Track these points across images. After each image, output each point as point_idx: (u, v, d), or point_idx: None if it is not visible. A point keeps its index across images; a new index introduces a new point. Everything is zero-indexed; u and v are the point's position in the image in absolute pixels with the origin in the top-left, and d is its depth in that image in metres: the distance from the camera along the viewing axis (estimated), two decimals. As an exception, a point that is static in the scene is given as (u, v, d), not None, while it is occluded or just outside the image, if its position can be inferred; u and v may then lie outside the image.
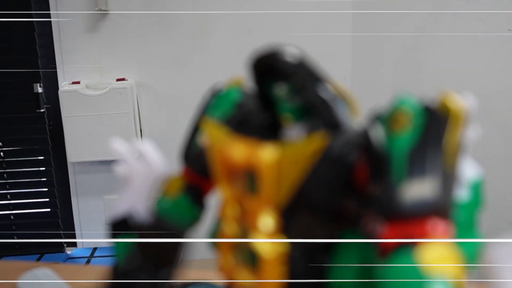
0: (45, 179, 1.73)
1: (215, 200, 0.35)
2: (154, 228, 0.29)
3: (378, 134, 0.29)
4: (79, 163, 1.71)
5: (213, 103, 0.37)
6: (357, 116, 0.33)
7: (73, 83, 1.62)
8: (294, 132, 0.32)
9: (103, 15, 1.59)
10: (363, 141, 0.29)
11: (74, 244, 1.81)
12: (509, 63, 1.33)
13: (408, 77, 1.41)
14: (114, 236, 0.39)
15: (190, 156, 0.37)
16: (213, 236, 0.33)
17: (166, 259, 0.21)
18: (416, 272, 0.25)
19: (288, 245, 0.30)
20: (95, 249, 1.78)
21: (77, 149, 1.62)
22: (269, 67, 0.31)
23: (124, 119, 1.60)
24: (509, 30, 1.28)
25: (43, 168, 1.73)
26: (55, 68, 1.65)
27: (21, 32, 1.60)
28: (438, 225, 0.26)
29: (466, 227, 0.34)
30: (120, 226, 0.38)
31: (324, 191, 0.29)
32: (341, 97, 0.31)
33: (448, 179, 0.28)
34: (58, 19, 1.60)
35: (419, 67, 1.41)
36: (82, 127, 1.60)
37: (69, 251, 1.78)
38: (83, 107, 1.59)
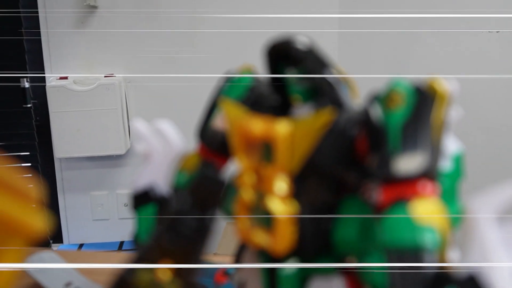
0: (31, 175, 1.74)
1: (230, 172, 0.39)
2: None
3: (376, 111, 0.34)
4: (66, 159, 1.73)
5: (227, 86, 0.42)
6: (356, 97, 0.38)
7: (61, 78, 1.64)
8: (303, 111, 0.36)
9: (91, 10, 1.61)
10: (364, 118, 0.34)
11: (60, 240, 1.82)
12: (491, 64, 1.40)
13: (394, 68, 1.46)
14: (136, 207, 0.43)
15: (205, 135, 0.42)
16: (230, 202, 0.38)
17: (211, 203, 0.25)
18: (409, 223, 0.30)
19: (298, 207, 0.35)
20: (81, 245, 1.80)
21: (64, 145, 1.64)
22: (282, 53, 0.35)
23: (112, 115, 1.62)
24: (497, 31, 1.35)
25: (29, 164, 1.74)
26: (43, 63, 1.66)
27: (8, 26, 1.61)
28: (427, 185, 0.32)
29: (449, 194, 0.40)
30: (142, 198, 0.43)
31: (330, 160, 0.34)
32: (344, 80, 0.36)
33: (435, 149, 0.33)
34: (46, 14, 1.62)
35: (406, 59, 1.46)
36: (70, 122, 1.61)
37: (55, 247, 1.79)
38: (70, 103, 1.61)
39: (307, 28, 1.55)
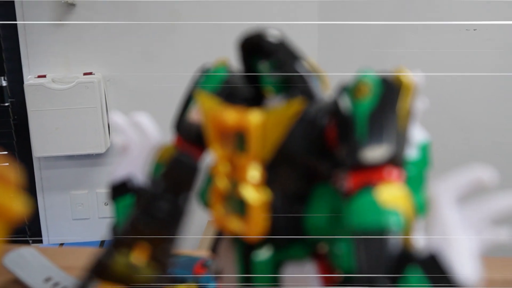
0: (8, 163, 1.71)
1: (206, 162, 0.40)
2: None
3: (344, 101, 0.35)
4: (45, 158, 1.71)
5: (202, 79, 0.43)
6: (326, 88, 0.39)
7: (39, 76, 1.63)
8: (275, 102, 0.38)
9: (70, 8, 1.60)
10: (333, 108, 0.35)
11: (40, 240, 1.80)
12: (469, 61, 1.43)
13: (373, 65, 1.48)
14: (114, 198, 0.44)
15: (181, 126, 0.43)
16: (205, 191, 0.39)
17: (184, 187, 0.26)
18: (374, 206, 0.31)
19: (271, 195, 0.36)
20: (61, 245, 1.79)
21: (43, 143, 1.62)
22: (254, 46, 0.37)
23: (92, 114, 1.61)
24: (474, 29, 1.38)
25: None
26: (20, 61, 1.64)
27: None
28: (393, 171, 0.33)
29: (415, 182, 0.41)
30: (120, 189, 0.43)
31: (301, 148, 0.35)
32: (316, 70, 0.38)
33: (400, 137, 0.34)
34: (23, 12, 1.60)
35: (385, 56, 1.48)
36: (49, 121, 1.60)
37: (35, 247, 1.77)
38: (49, 101, 1.60)
39: (286, 29, 1.56)
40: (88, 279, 0.30)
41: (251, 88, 0.39)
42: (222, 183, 0.37)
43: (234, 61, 0.43)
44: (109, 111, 1.67)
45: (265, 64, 0.37)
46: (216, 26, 1.58)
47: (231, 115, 0.36)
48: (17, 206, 0.24)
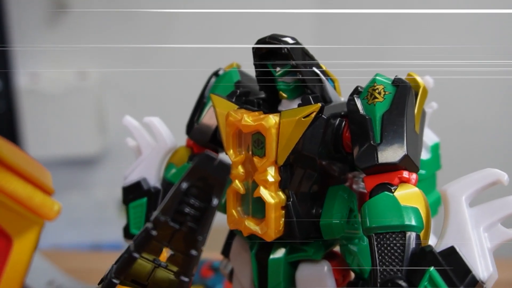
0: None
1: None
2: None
3: (359, 104, 0.36)
4: (39, 160, 1.70)
5: (215, 83, 0.43)
6: (338, 91, 0.40)
7: (32, 79, 1.61)
8: (290, 105, 0.38)
9: (63, 9, 1.59)
10: (348, 111, 0.36)
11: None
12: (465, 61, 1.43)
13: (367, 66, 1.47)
14: (128, 200, 0.44)
15: (194, 130, 0.43)
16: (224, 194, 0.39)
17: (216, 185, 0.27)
18: (395, 204, 0.32)
19: (287, 196, 0.37)
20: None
21: (36, 146, 1.61)
22: (269, 51, 0.37)
23: (87, 115, 1.60)
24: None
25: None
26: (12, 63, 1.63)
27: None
28: (409, 173, 0.34)
29: (428, 182, 0.43)
30: (133, 191, 0.44)
31: (316, 150, 0.36)
32: (328, 75, 0.39)
33: (415, 138, 0.35)
34: (18, 13, 1.59)
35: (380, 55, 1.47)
36: (42, 124, 1.59)
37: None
38: (43, 104, 1.59)
39: (282, 24, 1.57)
40: (111, 280, 0.30)
41: (266, 91, 0.40)
42: (239, 185, 0.38)
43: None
44: (104, 113, 1.67)
45: (280, 68, 0.38)
46: (209, 28, 1.58)
47: (248, 119, 0.36)
48: (50, 205, 0.25)
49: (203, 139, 0.43)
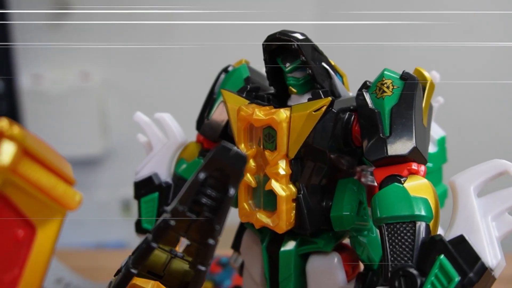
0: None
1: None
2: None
3: (368, 99, 0.37)
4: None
5: (225, 78, 0.44)
6: (346, 86, 0.41)
7: (35, 80, 1.62)
8: (299, 100, 0.39)
9: (66, 9, 1.60)
10: (357, 105, 0.37)
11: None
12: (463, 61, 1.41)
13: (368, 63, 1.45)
14: (139, 195, 0.45)
15: (204, 125, 0.44)
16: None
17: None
18: (405, 195, 0.33)
19: (298, 189, 0.37)
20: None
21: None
22: (280, 47, 0.38)
23: (89, 116, 1.61)
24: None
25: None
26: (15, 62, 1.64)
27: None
28: (417, 165, 0.35)
29: (435, 174, 0.43)
30: (145, 186, 0.45)
31: (327, 144, 0.37)
32: (337, 70, 0.39)
33: (423, 131, 0.36)
34: (20, 11, 1.60)
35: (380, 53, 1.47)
36: (45, 124, 1.59)
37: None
38: (46, 105, 1.59)
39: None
40: (128, 273, 0.31)
41: (276, 86, 0.41)
42: (250, 179, 0.38)
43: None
44: (107, 114, 1.67)
45: (290, 64, 0.38)
46: (210, 29, 1.58)
47: (260, 114, 0.37)
48: (72, 195, 0.26)
49: (213, 134, 0.44)
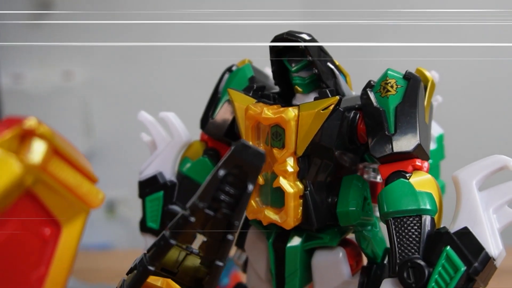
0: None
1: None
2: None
3: (372, 97, 0.38)
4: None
5: (229, 78, 0.45)
6: (350, 85, 0.42)
7: (16, 78, 1.59)
8: (305, 99, 0.40)
9: (48, 7, 1.57)
10: (362, 104, 0.38)
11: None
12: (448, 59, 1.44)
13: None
14: (144, 194, 0.45)
15: (209, 124, 0.45)
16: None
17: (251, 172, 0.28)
18: (411, 190, 0.34)
19: (305, 186, 0.38)
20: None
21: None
22: (286, 47, 0.39)
23: (73, 116, 1.59)
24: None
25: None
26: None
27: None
28: (421, 161, 0.36)
29: (434, 171, 0.45)
30: (150, 185, 0.45)
31: (334, 142, 0.38)
32: (341, 70, 0.41)
33: (425, 129, 0.38)
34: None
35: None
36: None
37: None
38: (27, 105, 1.57)
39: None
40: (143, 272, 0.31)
41: (281, 86, 0.41)
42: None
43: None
44: (91, 113, 1.65)
45: (296, 63, 0.39)
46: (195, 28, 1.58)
47: (268, 112, 0.38)
48: (95, 194, 0.26)
49: (218, 133, 0.44)
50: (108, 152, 1.73)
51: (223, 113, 0.44)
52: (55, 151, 0.24)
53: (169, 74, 1.59)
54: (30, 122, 0.23)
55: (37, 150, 0.23)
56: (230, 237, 0.30)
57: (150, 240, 0.46)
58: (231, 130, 0.44)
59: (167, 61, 1.65)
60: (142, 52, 1.65)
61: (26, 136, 0.23)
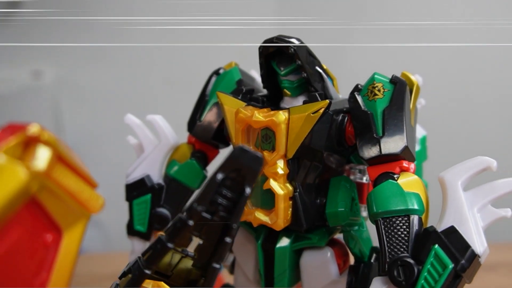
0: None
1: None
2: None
3: (360, 101, 0.39)
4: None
5: (216, 81, 0.45)
6: (337, 89, 0.43)
7: (-19, 79, 1.54)
8: (295, 102, 0.41)
9: (16, 6, 1.53)
10: (350, 107, 0.39)
11: None
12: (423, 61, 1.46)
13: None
14: (131, 197, 0.45)
15: (197, 127, 0.45)
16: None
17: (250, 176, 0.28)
18: (399, 191, 0.36)
19: (295, 187, 0.39)
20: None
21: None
22: (275, 51, 0.40)
23: (42, 116, 1.55)
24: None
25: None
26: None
27: None
28: (408, 163, 0.38)
29: (417, 172, 0.46)
30: (137, 188, 0.45)
31: (323, 144, 0.38)
32: (328, 74, 0.41)
33: (411, 131, 0.39)
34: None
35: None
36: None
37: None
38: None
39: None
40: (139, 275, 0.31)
41: (269, 89, 0.42)
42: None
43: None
44: (61, 114, 1.62)
45: (285, 67, 0.40)
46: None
47: (259, 116, 0.39)
48: (96, 199, 0.26)
49: (206, 136, 0.44)
50: (79, 152, 1.68)
51: (210, 116, 0.44)
52: (59, 157, 0.24)
53: (140, 74, 1.57)
54: (34, 129, 0.23)
55: (42, 156, 0.22)
56: (228, 239, 0.30)
57: (137, 244, 0.45)
58: (219, 133, 0.44)
59: (138, 60, 1.63)
60: (113, 51, 1.61)
61: (30, 143, 0.23)
